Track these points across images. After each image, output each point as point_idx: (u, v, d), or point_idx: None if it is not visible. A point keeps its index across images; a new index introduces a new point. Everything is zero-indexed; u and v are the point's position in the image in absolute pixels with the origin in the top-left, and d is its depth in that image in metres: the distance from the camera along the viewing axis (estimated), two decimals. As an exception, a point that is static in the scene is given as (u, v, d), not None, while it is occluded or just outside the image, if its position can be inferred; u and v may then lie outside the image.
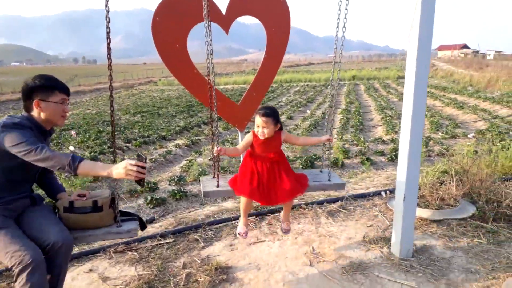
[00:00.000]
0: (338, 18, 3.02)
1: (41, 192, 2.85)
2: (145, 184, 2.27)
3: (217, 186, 3.06)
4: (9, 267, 2.05)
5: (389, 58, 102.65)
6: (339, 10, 3.01)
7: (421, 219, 3.81)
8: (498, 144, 7.39)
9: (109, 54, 2.38)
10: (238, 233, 3.05)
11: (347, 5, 2.95)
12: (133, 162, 2.08)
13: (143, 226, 2.67)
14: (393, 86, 28.31)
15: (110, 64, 2.39)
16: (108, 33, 2.32)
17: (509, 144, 7.02)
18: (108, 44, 2.35)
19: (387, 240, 3.43)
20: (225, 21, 3.83)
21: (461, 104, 15.21)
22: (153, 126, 13.62)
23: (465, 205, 4.00)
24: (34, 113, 2.34)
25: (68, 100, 2.44)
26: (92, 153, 8.54)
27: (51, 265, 2.23)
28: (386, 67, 50.98)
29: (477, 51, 69.37)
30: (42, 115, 2.33)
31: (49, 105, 2.32)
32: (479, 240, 3.41)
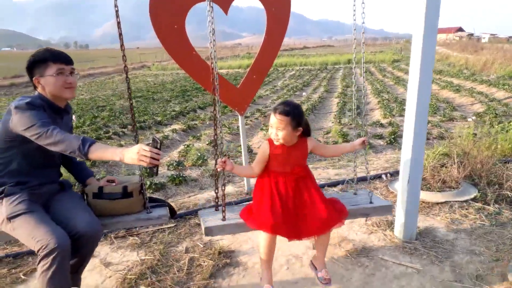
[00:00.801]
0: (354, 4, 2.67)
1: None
2: (158, 172, 2.13)
3: (223, 219, 2.45)
4: (35, 251, 1.99)
5: (384, 42, 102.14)
6: None
7: (423, 202, 3.80)
8: (496, 126, 7.40)
9: (120, 34, 2.29)
10: None
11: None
12: (147, 147, 1.93)
13: (173, 212, 2.63)
14: (388, 69, 28.19)
15: (122, 45, 2.29)
16: (117, 11, 2.24)
17: (507, 127, 7.03)
18: (118, 23, 2.27)
19: (390, 223, 3.42)
20: (225, 0, 3.73)
21: (457, 87, 15.18)
22: (148, 111, 13.47)
23: (466, 188, 4.00)
24: (41, 91, 2.25)
25: (69, 69, 2.27)
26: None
27: (77, 252, 2.18)
28: (381, 50, 50.68)
29: (472, 34, 69.19)
30: (46, 91, 2.23)
31: (47, 79, 2.20)
32: (481, 222, 3.41)
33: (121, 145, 8.15)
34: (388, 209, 2.81)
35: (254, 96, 4.17)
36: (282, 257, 3.01)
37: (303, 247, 3.12)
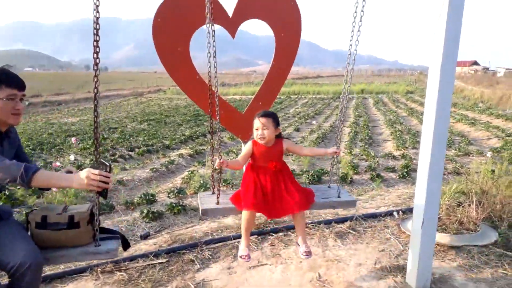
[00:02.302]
0: (352, 31, 2.73)
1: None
2: (107, 195, 2.10)
3: (217, 203, 2.80)
4: None
5: (398, 73, 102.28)
6: (354, 22, 2.70)
7: (438, 245, 3.48)
8: (516, 163, 7.04)
9: (96, 65, 2.03)
10: (240, 257, 2.74)
11: (361, 17, 2.67)
12: (96, 171, 1.90)
13: (126, 245, 2.36)
14: (402, 100, 27.96)
15: (96, 76, 2.09)
16: (96, 41, 1.97)
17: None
18: (97, 53, 2.02)
19: (401, 268, 3.11)
20: (232, 24, 3.59)
21: (472, 121, 14.84)
22: (158, 135, 13.41)
23: (486, 230, 3.67)
24: None
25: (20, 95, 2.12)
26: (93, 161, 8.29)
27: None
28: (395, 81, 50.61)
29: (487, 68, 68.84)
30: None
31: None
32: (503, 271, 3.07)
33: (125, 169, 7.97)
34: (352, 204, 3.06)
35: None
36: (281, 303, 2.72)
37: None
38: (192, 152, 9.74)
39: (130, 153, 9.78)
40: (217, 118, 2.82)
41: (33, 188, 1.93)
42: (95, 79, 2.10)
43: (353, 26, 2.73)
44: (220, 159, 2.66)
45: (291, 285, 2.97)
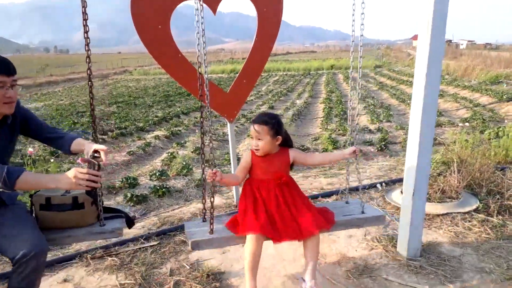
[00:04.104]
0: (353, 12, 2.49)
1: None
2: (98, 195, 2.12)
3: (211, 232, 2.29)
4: None
5: (365, 48, 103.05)
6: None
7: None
8: (486, 132, 7.31)
9: (87, 45, 2.00)
10: None
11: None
12: (84, 170, 1.86)
13: (130, 224, 2.35)
14: (371, 75, 28.35)
15: (88, 57, 2.03)
16: (85, 20, 1.93)
17: (497, 132, 6.94)
18: (86, 32, 1.97)
19: (391, 238, 3.20)
20: (213, 0, 3.47)
21: (441, 93, 15.23)
22: (130, 117, 13.08)
23: (467, 198, 3.81)
24: None
25: (10, 81, 1.96)
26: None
27: (20, 278, 1.87)
28: (363, 56, 51.06)
29: (450, 41, 70.48)
30: None
31: None
32: (487, 236, 3.21)
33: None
34: (381, 219, 2.67)
35: (245, 101, 3.91)
36: (277, 278, 2.75)
37: (300, 267, 2.86)
38: (168, 134, 9.58)
39: (103, 136, 9.50)
40: (207, 103, 2.28)
41: (17, 191, 1.85)
42: (89, 72, 2.05)
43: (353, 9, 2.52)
44: (212, 169, 2.15)
45: (285, 260, 2.99)
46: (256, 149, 2.32)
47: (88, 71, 2.04)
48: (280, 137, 2.35)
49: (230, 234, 2.29)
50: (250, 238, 2.15)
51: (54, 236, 2.12)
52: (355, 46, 2.69)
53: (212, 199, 2.30)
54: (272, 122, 2.30)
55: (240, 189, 2.55)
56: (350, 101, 2.92)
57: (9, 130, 2.13)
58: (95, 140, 2.16)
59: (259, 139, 2.29)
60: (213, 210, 2.29)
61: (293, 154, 2.44)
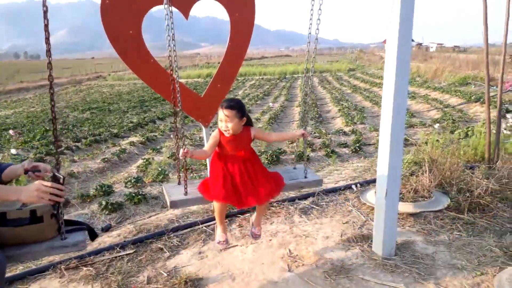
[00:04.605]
0: (311, 17, 2.77)
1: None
2: (60, 210, 2.02)
3: (185, 193, 2.70)
4: None
5: (340, 51, 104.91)
6: (312, 9, 2.76)
7: (398, 213, 3.66)
8: (456, 132, 7.54)
9: (48, 51, 1.89)
10: (218, 242, 2.76)
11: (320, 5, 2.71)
12: (48, 183, 1.81)
13: (93, 236, 2.25)
14: (345, 78, 28.81)
15: (50, 63, 1.93)
16: (46, 25, 1.83)
17: (466, 132, 7.17)
18: (47, 39, 1.88)
19: (366, 238, 3.25)
20: (185, 4, 3.46)
21: (412, 94, 15.63)
22: (104, 123, 12.86)
23: (438, 197, 3.91)
24: None
25: None
26: (38, 154, 7.81)
27: None
28: (337, 60, 51.93)
29: (420, 43, 72.34)
30: None
31: None
32: (458, 233, 3.30)
33: (74, 161, 7.59)
34: (319, 183, 3.08)
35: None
36: (256, 282, 2.76)
37: (279, 270, 2.88)
38: (143, 140, 9.45)
39: (76, 144, 9.30)
40: (179, 105, 2.68)
41: None
42: (50, 79, 1.93)
43: (312, 5, 2.75)
44: (184, 149, 2.53)
45: (263, 263, 3.00)
46: (226, 131, 2.61)
47: (50, 78, 1.95)
48: (245, 118, 2.67)
49: (201, 196, 2.67)
50: (218, 203, 2.62)
51: (11, 253, 1.97)
52: (327, 50, 2.74)
53: (185, 166, 2.71)
54: (238, 106, 2.61)
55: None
56: (304, 95, 3.35)
57: None
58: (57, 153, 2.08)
59: (228, 122, 2.57)
60: (186, 175, 2.71)
61: (253, 132, 2.77)
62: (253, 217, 3.00)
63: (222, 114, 2.58)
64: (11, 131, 9.13)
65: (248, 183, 2.63)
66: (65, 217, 2.12)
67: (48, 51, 1.90)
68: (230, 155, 2.70)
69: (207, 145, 2.73)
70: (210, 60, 64.09)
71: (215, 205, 2.65)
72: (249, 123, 2.77)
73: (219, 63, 4.04)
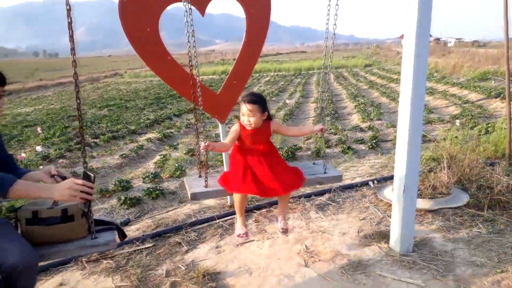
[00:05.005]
0: (328, 12, 2.75)
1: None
2: (91, 207, 2.04)
3: (206, 186, 2.74)
4: None
5: (355, 47, 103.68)
6: (329, 4, 2.73)
7: (416, 210, 3.63)
8: (476, 128, 7.40)
9: (72, 49, 1.93)
10: (238, 235, 2.79)
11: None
12: (79, 181, 1.82)
13: (122, 235, 2.31)
14: (361, 74, 28.51)
15: (74, 61, 1.96)
16: (70, 23, 1.88)
17: (486, 128, 7.04)
18: (71, 37, 1.92)
19: (384, 235, 3.24)
20: (202, 1, 3.49)
21: (430, 90, 15.37)
22: (122, 120, 13.02)
23: (458, 193, 3.87)
24: None
25: (0, 93, 1.93)
26: (58, 151, 7.98)
27: None
28: (353, 55, 51.41)
29: (438, 39, 71.04)
30: None
31: None
32: (478, 230, 3.26)
33: (93, 157, 7.73)
34: (339, 178, 3.05)
35: (236, 102, 3.93)
36: (273, 277, 2.78)
37: (295, 265, 2.89)
38: (160, 136, 9.55)
39: (95, 140, 9.46)
40: (200, 104, 2.73)
41: (11, 199, 1.81)
42: (75, 76, 1.97)
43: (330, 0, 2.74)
44: (205, 142, 2.56)
45: (280, 258, 3.02)
46: (248, 125, 2.63)
47: (75, 76, 1.99)
48: (266, 113, 2.70)
49: (221, 188, 2.69)
50: (237, 194, 2.65)
51: (43, 252, 2.01)
52: (342, 46, 2.74)
53: (206, 159, 2.74)
54: (260, 101, 2.66)
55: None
56: (320, 100, 3.54)
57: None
58: (85, 146, 2.12)
59: (250, 116, 2.60)
60: (206, 168, 2.75)
61: (273, 126, 2.79)
62: (278, 211, 3.01)
63: (245, 108, 2.61)
64: (38, 129, 9.33)
65: (268, 174, 2.64)
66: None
67: (73, 49, 1.93)
68: (249, 148, 2.72)
69: (228, 138, 2.75)
70: (225, 57, 64.20)
71: (235, 197, 2.67)
72: (269, 117, 2.79)
73: (234, 60, 4.06)
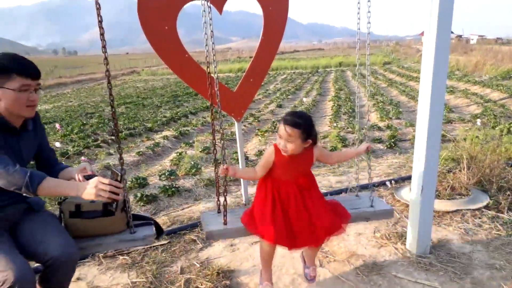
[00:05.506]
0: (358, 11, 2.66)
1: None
2: (117, 208, 2.03)
3: (225, 223, 2.37)
4: None
5: (374, 44, 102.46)
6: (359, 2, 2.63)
7: (433, 211, 3.56)
8: (498, 128, 7.23)
9: (103, 47, 1.98)
10: None
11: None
12: (106, 180, 1.82)
13: (160, 231, 2.34)
14: (380, 72, 28.19)
15: (106, 58, 2.00)
16: (100, 22, 1.90)
17: (509, 128, 6.87)
18: (102, 35, 1.96)
19: (400, 235, 3.19)
20: None
21: (451, 89, 15.09)
22: (138, 118, 13.16)
23: (477, 194, 3.78)
24: None
25: (35, 85, 1.94)
26: (76, 147, 8.12)
27: (50, 281, 1.94)
28: (372, 53, 50.80)
29: (460, 36, 69.63)
30: (2, 105, 1.88)
31: (6, 93, 1.84)
32: (497, 232, 3.19)
33: (110, 154, 7.83)
34: (389, 213, 2.67)
35: (252, 100, 3.92)
36: (287, 276, 2.77)
37: (309, 265, 2.87)
38: (176, 134, 9.62)
39: (112, 137, 9.59)
40: (218, 103, 2.36)
41: (39, 196, 1.85)
42: (107, 74, 1.99)
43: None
44: (224, 165, 2.15)
45: (294, 257, 3.00)
46: (283, 151, 2.15)
47: (107, 73, 2.00)
48: (310, 141, 2.17)
49: (241, 226, 2.31)
50: (266, 243, 2.19)
51: (84, 244, 2.07)
52: (362, 43, 2.69)
53: (225, 193, 2.38)
54: (305, 125, 2.12)
55: (250, 187, 2.57)
56: (358, 98, 3.03)
57: (34, 136, 2.15)
58: (116, 141, 2.13)
59: (289, 141, 2.11)
60: (226, 203, 2.38)
61: (317, 153, 2.30)
62: (307, 255, 2.53)
63: (283, 130, 2.10)
64: (57, 125, 9.53)
65: (304, 219, 2.18)
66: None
67: (104, 47, 1.98)
68: (284, 180, 2.23)
69: (259, 165, 2.28)
70: (241, 54, 64.33)
71: (262, 246, 2.24)
72: (314, 143, 2.24)
73: (250, 57, 4.04)
